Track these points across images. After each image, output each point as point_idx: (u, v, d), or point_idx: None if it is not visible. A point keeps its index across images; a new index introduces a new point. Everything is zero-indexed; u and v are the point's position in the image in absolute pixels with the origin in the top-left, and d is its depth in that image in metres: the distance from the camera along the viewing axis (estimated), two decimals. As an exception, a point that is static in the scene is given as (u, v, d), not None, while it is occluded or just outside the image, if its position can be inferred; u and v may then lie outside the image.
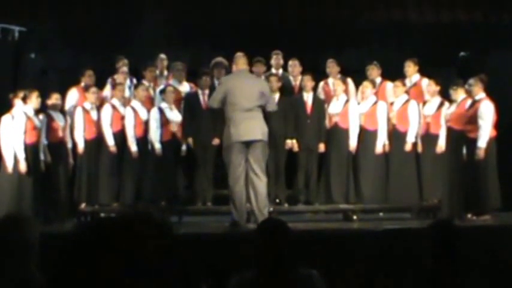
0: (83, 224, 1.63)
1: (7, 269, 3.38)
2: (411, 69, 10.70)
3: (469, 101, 9.63)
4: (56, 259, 1.53)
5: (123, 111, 10.15)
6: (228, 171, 8.65)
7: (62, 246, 1.53)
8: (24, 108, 9.46)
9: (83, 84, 10.64)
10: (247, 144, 8.42)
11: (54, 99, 9.93)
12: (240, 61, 9.01)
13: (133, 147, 9.99)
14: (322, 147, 10.32)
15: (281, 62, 11.09)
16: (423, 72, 10.73)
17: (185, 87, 10.81)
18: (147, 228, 1.55)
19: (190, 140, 10.21)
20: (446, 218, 8.50)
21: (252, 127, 8.40)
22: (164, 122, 10.08)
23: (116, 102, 10.24)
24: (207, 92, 10.29)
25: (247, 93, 8.46)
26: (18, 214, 4.28)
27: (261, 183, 8.48)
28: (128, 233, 1.52)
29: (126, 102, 10.35)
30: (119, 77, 10.84)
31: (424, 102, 10.27)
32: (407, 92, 10.41)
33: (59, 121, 9.93)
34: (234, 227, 8.48)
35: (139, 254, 1.50)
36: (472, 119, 9.44)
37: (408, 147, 10.09)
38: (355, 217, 10.03)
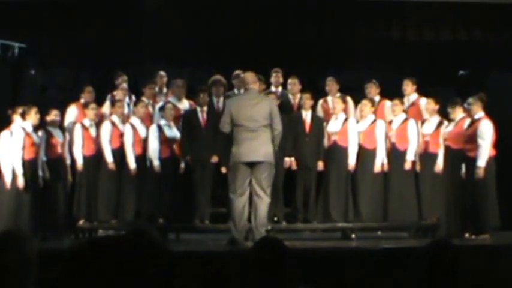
0: (80, 243, 1.62)
1: (3, 286, 3.36)
2: (409, 88, 10.70)
3: (467, 120, 9.63)
4: (53, 279, 1.52)
5: (122, 128, 10.14)
6: (230, 188, 8.60)
7: (59, 266, 1.53)
8: (22, 124, 9.47)
9: (82, 100, 10.65)
10: (251, 165, 8.36)
11: (53, 115, 9.93)
12: (248, 79, 8.76)
13: (132, 164, 9.97)
14: (320, 165, 10.31)
15: (281, 80, 11.09)
16: (422, 91, 10.74)
17: (184, 105, 10.80)
18: (144, 247, 1.54)
19: (188, 157, 10.20)
20: (445, 237, 8.49)
21: (254, 148, 8.30)
22: (163, 139, 10.07)
23: (115, 119, 10.23)
24: (205, 109, 10.30)
25: (252, 114, 8.34)
26: (17, 231, 4.27)
27: (261, 203, 8.39)
28: (126, 253, 1.51)
29: (125, 119, 10.35)
30: (118, 94, 10.83)
31: (423, 121, 10.27)
32: (405, 111, 10.40)
33: (58, 137, 9.92)
34: (232, 244, 8.43)
35: (137, 273, 1.50)
36: (471, 138, 9.43)
37: (408, 165, 10.07)
38: (353, 236, 10.00)
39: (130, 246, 1.53)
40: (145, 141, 10.11)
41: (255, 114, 8.36)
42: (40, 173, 9.64)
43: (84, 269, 1.50)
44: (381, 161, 10.18)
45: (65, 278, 1.52)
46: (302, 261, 6.77)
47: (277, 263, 3.63)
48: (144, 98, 10.68)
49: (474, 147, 9.38)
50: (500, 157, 9.66)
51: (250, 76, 8.76)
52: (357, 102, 10.79)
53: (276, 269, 3.62)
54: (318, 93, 11.03)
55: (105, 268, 1.49)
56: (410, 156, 10.08)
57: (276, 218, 10.16)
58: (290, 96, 10.97)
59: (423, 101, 10.46)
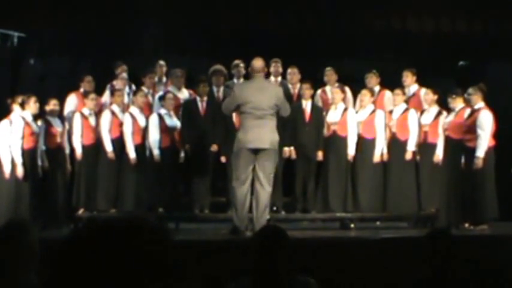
0: (79, 227, 1.63)
1: (7, 274, 3.38)
2: (409, 79, 10.70)
3: (467, 110, 9.64)
4: (51, 262, 1.53)
5: (122, 117, 10.14)
6: (233, 175, 8.59)
7: (58, 249, 1.53)
8: (22, 113, 9.46)
9: (82, 90, 10.65)
10: (255, 152, 8.33)
11: (52, 105, 9.92)
12: (256, 66, 8.63)
13: (131, 153, 9.97)
14: (320, 155, 10.32)
15: (280, 69, 11.06)
16: (422, 81, 10.73)
17: (184, 94, 10.81)
18: (144, 232, 1.55)
19: (188, 146, 10.21)
20: (444, 227, 8.51)
21: (260, 135, 8.25)
22: (163, 128, 10.07)
23: (115, 108, 10.23)
24: (205, 99, 10.31)
25: (260, 102, 8.28)
26: (19, 220, 4.29)
27: (263, 192, 8.37)
28: (125, 236, 1.52)
29: (124, 109, 10.35)
30: (118, 83, 10.84)
31: (422, 111, 10.27)
32: (406, 101, 10.40)
33: (57, 127, 9.93)
34: (234, 232, 8.42)
35: (136, 258, 1.50)
36: (470, 128, 9.44)
37: (408, 156, 10.08)
38: (352, 225, 10.02)
39: (130, 231, 1.54)
40: (144, 131, 10.11)
41: (261, 102, 8.31)
42: (39, 162, 9.65)
43: (83, 255, 1.51)
44: (380, 151, 10.19)
45: (64, 265, 1.52)
46: (301, 250, 6.79)
47: (278, 251, 3.64)
48: (143, 88, 10.69)
49: (473, 137, 9.39)
50: (500, 147, 9.67)
51: (257, 63, 8.66)
52: (357, 93, 10.79)
53: (277, 258, 3.62)
54: (318, 83, 11.02)
55: (105, 253, 1.50)
56: (411, 147, 10.09)
57: (275, 208, 10.15)
58: (290, 86, 10.96)
59: (424, 92, 10.46)
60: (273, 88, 8.85)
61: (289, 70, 11.03)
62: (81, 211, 10.00)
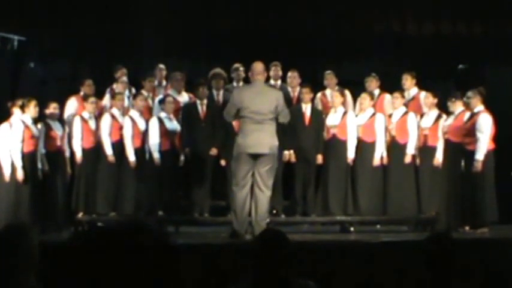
0: (80, 232, 1.64)
1: (7, 277, 3.38)
2: (409, 83, 10.69)
3: (467, 114, 9.65)
4: (52, 267, 1.53)
5: (122, 120, 10.14)
6: (233, 179, 8.59)
7: (59, 253, 1.54)
8: (22, 116, 9.47)
9: (82, 93, 10.66)
10: (255, 157, 8.32)
11: (52, 108, 9.94)
12: (256, 70, 8.61)
13: (131, 157, 9.98)
14: (320, 158, 10.31)
15: (280, 73, 11.07)
16: (422, 84, 10.73)
17: (184, 98, 10.82)
18: (144, 238, 1.55)
19: (187, 150, 10.21)
20: (444, 230, 8.51)
21: (260, 140, 8.24)
22: (163, 131, 10.07)
23: (115, 111, 10.24)
24: (205, 102, 10.31)
25: (259, 106, 8.28)
26: (19, 223, 4.29)
27: (263, 197, 8.37)
28: (125, 243, 1.52)
29: (124, 112, 10.35)
30: (118, 87, 10.84)
31: (422, 115, 10.27)
32: (405, 105, 10.40)
33: (57, 130, 9.94)
34: (234, 236, 8.43)
35: (135, 264, 1.51)
36: (470, 132, 9.45)
37: (408, 159, 10.07)
38: (352, 229, 10.02)
39: (130, 234, 1.54)
40: (144, 134, 10.12)
41: (261, 107, 8.29)
42: (39, 165, 9.65)
43: (83, 258, 1.51)
44: (380, 154, 10.19)
45: (65, 268, 1.53)
46: (300, 254, 6.79)
47: (279, 255, 3.64)
48: (143, 91, 10.69)
49: (473, 140, 9.40)
50: (499, 151, 9.67)
51: (257, 67, 8.63)
52: (356, 96, 10.79)
53: (277, 261, 3.62)
54: (317, 86, 11.03)
55: (105, 257, 1.50)
56: (410, 150, 10.08)
57: (274, 211, 10.15)
58: (289, 90, 10.96)
59: (423, 95, 10.46)
60: (273, 92, 8.81)
61: (289, 74, 11.02)
62: (80, 214, 10.00)
